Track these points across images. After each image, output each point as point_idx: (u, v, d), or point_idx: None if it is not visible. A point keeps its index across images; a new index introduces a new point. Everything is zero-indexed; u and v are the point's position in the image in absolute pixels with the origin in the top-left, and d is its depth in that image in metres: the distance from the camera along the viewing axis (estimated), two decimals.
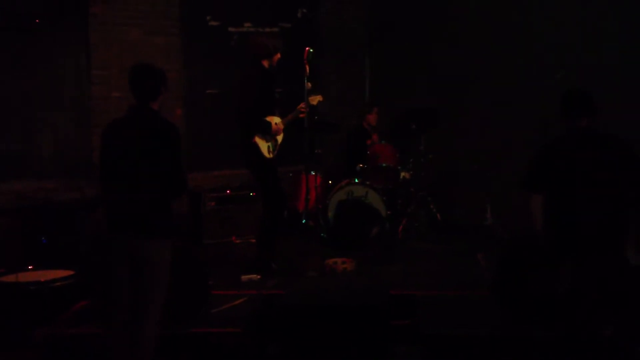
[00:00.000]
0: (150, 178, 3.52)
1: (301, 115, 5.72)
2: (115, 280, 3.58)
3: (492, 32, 7.54)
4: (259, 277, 5.42)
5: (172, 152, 3.58)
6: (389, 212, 6.75)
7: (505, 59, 7.41)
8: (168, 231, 3.64)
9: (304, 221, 6.26)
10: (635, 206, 3.62)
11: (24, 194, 6.04)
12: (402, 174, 7.12)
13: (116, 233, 3.58)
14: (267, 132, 5.49)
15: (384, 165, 7.01)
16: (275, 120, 5.58)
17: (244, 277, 5.41)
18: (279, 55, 5.57)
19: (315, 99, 5.87)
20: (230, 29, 7.86)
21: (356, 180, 6.83)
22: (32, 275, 4.74)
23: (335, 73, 8.42)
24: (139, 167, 3.52)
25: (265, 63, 5.53)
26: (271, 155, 5.54)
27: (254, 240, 6.09)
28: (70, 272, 4.78)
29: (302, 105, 5.71)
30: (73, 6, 6.91)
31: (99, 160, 3.67)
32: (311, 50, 5.62)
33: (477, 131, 7.62)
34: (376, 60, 8.54)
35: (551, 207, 3.62)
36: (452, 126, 7.62)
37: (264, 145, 5.48)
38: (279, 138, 5.63)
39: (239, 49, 7.77)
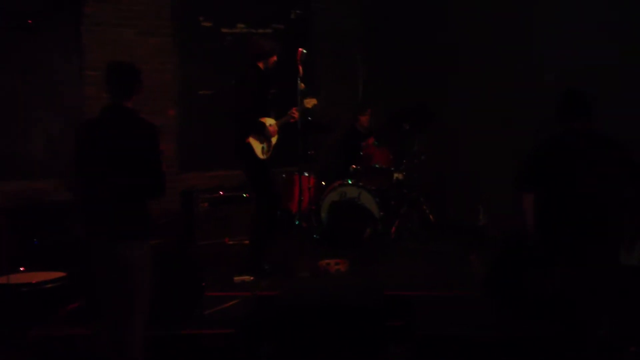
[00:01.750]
0: (125, 178, 3.43)
1: (292, 121, 5.72)
2: (98, 283, 3.53)
3: (486, 34, 7.56)
4: (251, 278, 5.42)
5: (148, 152, 3.47)
6: (382, 213, 6.76)
7: (499, 61, 7.42)
8: (145, 233, 3.55)
9: (297, 222, 6.26)
10: (628, 207, 3.63)
11: (16, 195, 6.02)
12: (395, 175, 7.13)
13: (93, 235, 3.51)
14: (262, 133, 5.48)
15: (377, 166, 7.02)
16: (269, 121, 5.58)
17: (237, 279, 5.40)
18: (275, 58, 5.57)
19: (310, 102, 5.87)
20: (224, 30, 7.85)
21: (349, 182, 6.84)
22: (23, 276, 4.71)
23: (328, 74, 8.43)
24: (114, 168, 3.43)
25: (261, 65, 5.53)
26: (265, 156, 5.54)
27: (247, 242, 6.08)
28: (62, 274, 4.76)
29: (293, 110, 5.71)
30: (66, 6, 6.89)
31: (73, 160, 3.57)
32: (304, 51, 5.62)
33: (470, 132, 7.63)
34: (369, 61, 8.54)
35: (544, 207, 3.63)
36: (445, 127, 7.63)
37: (257, 146, 5.48)
38: (273, 139, 5.63)
39: (232, 50, 7.76)
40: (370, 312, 4.37)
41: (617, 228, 3.61)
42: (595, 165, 3.54)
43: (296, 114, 5.71)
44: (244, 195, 6.99)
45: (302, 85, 5.63)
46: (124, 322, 3.50)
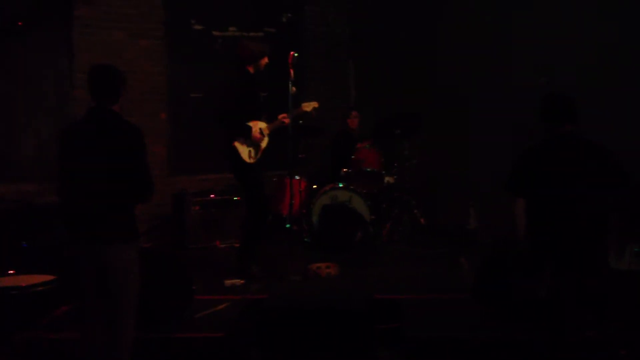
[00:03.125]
0: (110, 182, 3.41)
1: (284, 125, 5.69)
2: (86, 287, 3.50)
3: (476, 37, 7.59)
4: (242, 282, 5.40)
5: (135, 155, 3.46)
6: (372, 217, 6.77)
7: (489, 63, 7.46)
8: (131, 236, 3.53)
9: (288, 225, 6.25)
10: (616, 211, 3.65)
11: (5, 197, 5.98)
12: (386, 178, 7.14)
13: (77, 239, 3.48)
14: (247, 137, 5.46)
15: (368, 170, 7.03)
16: (260, 125, 5.56)
17: (228, 282, 5.39)
18: (265, 60, 5.54)
19: (310, 106, 5.87)
20: (215, 33, 7.85)
21: (340, 185, 6.84)
22: (12, 280, 4.67)
23: (319, 77, 8.44)
24: (99, 171, 3.40)
25: (250, 68, 5.52)
26: (252, 160, 5.51)
27: (238, 245, 6.07)
28: (52, 277, 4.73)
29: (284, 115, 5.70)
30: (56, 9, 6.87)
31: (57, 164, 3.52)
32: (296, 54, 5.62)
33: (461, 136, 7.67)
34: (360, 64, 8.56)
35: (533, 211, 3.64)
36: (436, 131, 7.65)
37: (244, 150, 5.46)
38: (263, 143, 5.60)
39: (223, 53, 7.76)
40: (360, 315, 4.37)
41: (606, 232, 3.62)
42: (583, 170, 3.55)
43: (286, 120, 5.69)
44: (235, 198, 6.99)
45: (294, 88, 5.63)
46: (113, 325, 3.48)
